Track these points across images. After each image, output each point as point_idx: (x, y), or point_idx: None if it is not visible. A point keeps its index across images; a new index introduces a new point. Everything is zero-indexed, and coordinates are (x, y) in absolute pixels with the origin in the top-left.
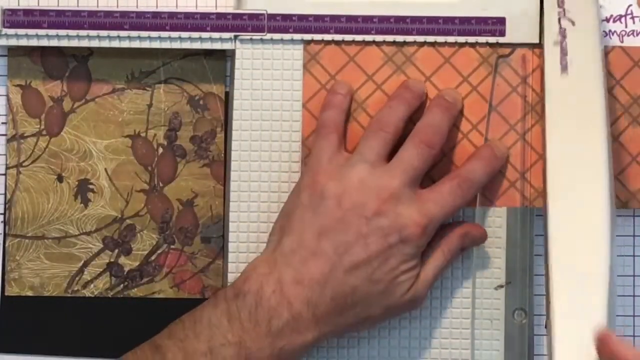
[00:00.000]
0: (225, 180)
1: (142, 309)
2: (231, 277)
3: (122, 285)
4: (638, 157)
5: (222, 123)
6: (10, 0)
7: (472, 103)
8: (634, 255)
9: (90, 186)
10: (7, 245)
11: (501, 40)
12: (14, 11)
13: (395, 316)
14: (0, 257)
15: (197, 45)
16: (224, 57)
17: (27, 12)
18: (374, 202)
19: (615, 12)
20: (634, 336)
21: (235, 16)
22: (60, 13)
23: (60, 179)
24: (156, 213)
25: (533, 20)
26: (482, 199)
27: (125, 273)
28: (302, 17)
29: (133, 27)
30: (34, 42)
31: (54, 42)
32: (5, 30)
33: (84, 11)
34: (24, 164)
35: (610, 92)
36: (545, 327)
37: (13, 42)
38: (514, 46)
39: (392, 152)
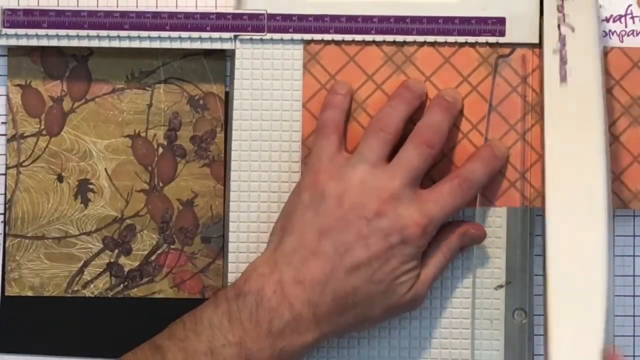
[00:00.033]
0: (225, 180)
1: (142, 309)
2: (231, 277)
3: (122, 285)
4: (639, 157)
5: (222, 123)
6: (10, 0)
7: (472, 103)
8: (634, 255)
9: (90, 186)
10: (7, 245)
11: (501, 40)
12: (14, 11)
13: (395, 316)
14: (0, 257)
15: (197, 45)
16: (224, 57)
17: (27, 12)
18: (374, 203)
19: (615, 12)
20: (634, 336)
21: (235, 16)
22: (60, 13)
23: (60, 179)
24: (156, 213)
25: (533, 20)
26: (482, 199)
27: (125, 273)
28: (302, 17)
29: (133, 27)
30: (34, 42)
31: (54, 42)
32: (5, 30)
33: (84, 11)
34: (24, 164)
35: (610, 92)
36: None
37: (13, 42)
38: (514, 46)
39: (392, 152)
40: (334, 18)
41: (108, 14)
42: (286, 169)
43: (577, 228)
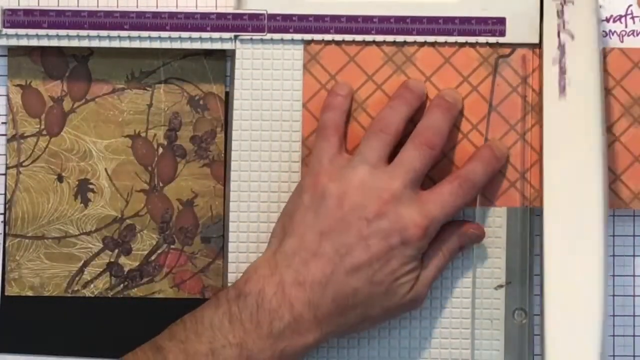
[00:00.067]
0: (225, 180)
1: (142, 309)
2: (231, 277)
3: (122, 285)
4: (639, 157)
5: (222, 123)
6: (10, 0)
7: (472, 103)
8: (634, 255)
9: (90, 186)
10: (7, 245)
11: (501, 40)
12: (14, 11)
13: (395, 316)
14: (1, 257)
15: (197, 45)
16: (224, 57)
17: (27, 12)
18: (374, 204)
19: (615, 12)
20: (634, 336)
21: (236, 16)
22: (60, 13)
23: (60, 179)
24: (156, 213)
25: (533, 20)
26: (482, 199)
27: (125, 273)
28: (302, 17)
29: (133, 27)
30: (34, 42)
31: (54, 42)
32: (5, 30)
33: (84, 11)
34: (24, 164)
35: (610, 92)
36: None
37: (13, 42)
38: (514, 46)
39: (393, 153)
40: (334, 18)
41: (108, 14)
42: (286, 169)
43: (574, 230)
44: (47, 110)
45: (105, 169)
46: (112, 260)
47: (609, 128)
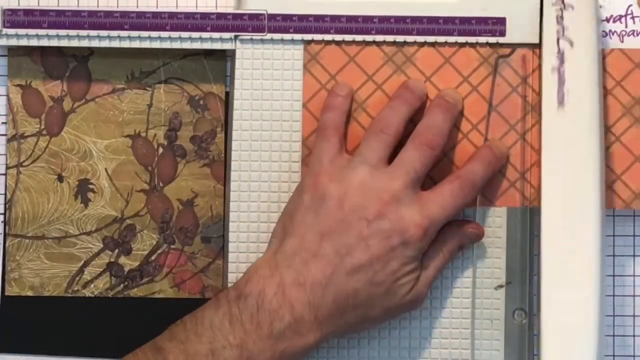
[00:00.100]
0: (225, 180)
1: (142, 309)
2: (231, 277)
3: (122, 285)
4: None
5: (222, 123)
6: (10, 0)
7: (472, 103)
8: (634, 255)
9: (91, 186)
10: (7, 245)
11: (501, 40)
12: (14, 11)
13: (395, 317)
14: (1, 257)
15: (197, 45)
16: (224, 57)
17: (27, 12)
18: (375, 204)
19: (615, 12)
20: (634, 336)
21: (236, 16)
22: (60, 13)
23: (60, 178)
24: (156, 213)
25: (533, 20)
26: (482, 199)
27: (125, 273)
28: (302, 17)
29: (133, 27)
30: (34, 42)
31: (54, 42)
32: (5, 30)
33: (84, 11)
34: (24, 164)
35: (611, 93)
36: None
37: (13, 42)
38: (514, 46)
39: (393, 153)
40: (335, 18)
41: (108, 14)
42: (286, 169)
43: (571, 232)
44: (47, 110)
45: (106, 169)
46: (112, 260)
47: (609, 128)
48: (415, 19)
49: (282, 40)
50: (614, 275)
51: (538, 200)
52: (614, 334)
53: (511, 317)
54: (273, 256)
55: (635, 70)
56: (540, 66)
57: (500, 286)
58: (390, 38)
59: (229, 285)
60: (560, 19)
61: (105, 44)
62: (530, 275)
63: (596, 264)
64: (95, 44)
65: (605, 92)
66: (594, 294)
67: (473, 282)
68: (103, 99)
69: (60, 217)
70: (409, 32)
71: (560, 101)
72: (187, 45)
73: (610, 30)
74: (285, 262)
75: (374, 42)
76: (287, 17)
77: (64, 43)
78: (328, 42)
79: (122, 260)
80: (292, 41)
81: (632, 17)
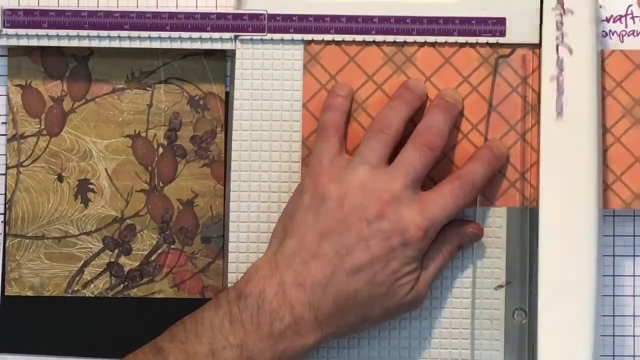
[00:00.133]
0: (225, 180)
1: (142, 309)
2: (231, 277)
3: (122, 285)
4: None
5: (222, 123)
6: (10, 0)
7: (472, 103)
8: (634, 255)
9: (91, 186)
10: (7, 245)
11: (501, 40)
12: (14, 11)
13: (395, 317)
14: (0, 257)
15: (197, 45)
16: (224, 57)
17: (27, 12)
18: (375, 205)
19: (615, 12)
20: (634, 336)
21: (236, 16)
22: (60, 13)
23: (60, 178)
24: (156, 213)
25: (533, 20)
26: (482, 199)
27: (125, 273)
28: (302, 17)
29: (133, 27)
30: (34, 42)
31: (54, 42)
32: (5, 30)
33: (84, 11)
34: (24, 164)
35: (611, 94)
36: None
37: (13, 42)
38: (514, 46)
39: (393, 153)
40: (335, 18)
41: (108, 14)
42: (286, 169)
43: (569, 234)
44: (47, 110)
45: (105, 169)
46: (112, 260)
47: (609, 129)
48: (415, 19)
49: (282, 40)
50: (614, 275)
51: (538, 200)
52: (614, 334)
53: (511, 317)
54: (273, 256)
55: (635, 71)
56: (540, 68)
57: (500, 286)
58: (390, 38)
59: (229, 285)
60: (559, 25)
61: (105, 44)
62: (530, 275)
63: (593, 265)
64: (95, 44)
65: (605, 93)
66: (590, 295)
67: (473, 282)
68: (103, 99)
69: (60, 217)
70: (409, 32)
71: (559, 111)
72: (187, 45)
73: (610, 31)
74: (285, 262)
75: (374, 42)
76: (287, 17)
77: (64, 43)
78: (328, 42)
79: (122, 260)
80: (292, 41)
81: (632, 17)
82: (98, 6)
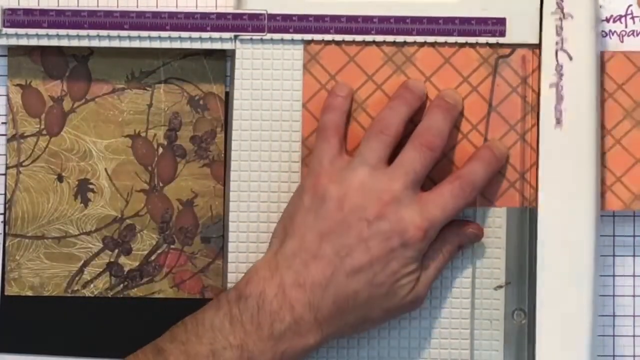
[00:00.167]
0: (225, 180)
1: (142, 309)
2: (231, 277)
3: (122, 285)
4: None
5: (222, 123)
6: (10, 0)
7: (472, 103)
8: (634, 255)
9: (90, 186)
10: (7, 245)
11: (501, 40)
12: (14, 11)
13: (395, 317)
14: (0, 257)
15: (197, 45)
16: (224, 57)
17: (27, 11)
18: (375, 206)
19: (615, 12)
20: (634, 336)
21: (235, 16)
22: (60, 13)
23: (60, 178)
24: (156, 213)
25: (533, 20)
26: (481, 200)
27: (125, 273)
28: (302, 17)
29: (133, 27)
30: (34, 42)
31: (54, 42)
32: (5, 30)
33: (84, 11)
34: (24, 164)
35: (612, 96)
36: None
37: (13, 41)
38: (514, 46)
39: (393, 153)
40: (334, 18)
41: (108, 13)
42: (286, 169)
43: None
44: (47, 110)
45: (105, 169)
46: (112, 260)
47: (610, 131)
48: (415, 19)
49: (282, 40)
50: (614, 275)
51: (537, 201)
52: (614, 334)
53: (510, 318)
54: (273, 257)
55: (637, 73)
56: (539, 71)
57: (500, 286)
58: (390, 38)
59: (229, 285)
60: (559, 29)
61: (105, 43)
62: (529, 276)
63: (591, 265)
64: (95, 43)
65: (606, 95)
66: (588, 295)
67: (472, 282)
68: (103, 99)
69: (60, 217)
70: (408, 32)
71: (558, 117)
72: (187, 45)
73: (610, 31)
74: (285, 263)
75: (373, 42)
76: (287, 17)
77: (64, 43)
78: (328, 42)
79: (122, 260)
80: (292, 41)
81: (632, 17)
82: (98, 6)
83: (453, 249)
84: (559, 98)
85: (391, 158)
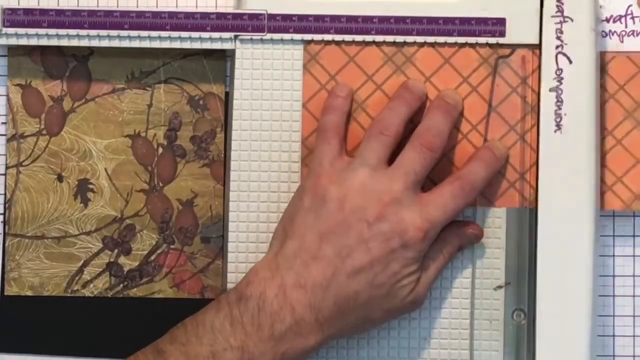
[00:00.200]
0: (225, 180)
1: (142, 309)
2: (231, 277)
3: (121, 285)
4: None
5: (222, 123)
6: (10, 0)
7: (472, 103)
8: (634, 256)
9: (90, 186)
10: (6, 244)
11: (501, 40)
12: (14, 10)
13: (396, 317)
14: (0, 257)
15: (197, 45)
16: (224, 57)
17: (27, 11)
18: (375, 206)
19: (615, 12)
20: (634, 336)
21: (235, 16)
22: (60, 12)
23: (60, 178)
24: (156, 213)
25: (533, 20)
26: (481, 200)
27: (125, 273)
28: (302, 17)
29: (133, 27)
30: (34, 42)
31: (54, 42)
32: (5, 30)
33: (84, 11)
34: (23, 164)
35: (613, 96)
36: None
37: (13, 41)
38: (513, 47)
39: (393, 153)
40: (334, 18)
41: (108, 13)
42: (286, 169)
43: (567, 232)
44: (47, 110)
45: (105, 169)
46: (111, 260)
47: (611, 131)
48: (415, 19)
49: (282, 40)
50: (614, 276)
51: (537, 201)
52: (614, 334)
53: (510, 318)
54: (274, 258)
55: (638, 74)
56: (539, 74)
57: (500, 287)
58: (390, 38)
59: (229, 285)
60: (559, 32)
61: (105, 43)
62: (529, 276)
63: (591, 265)
64: (95, 43)
65: (607, 96)
66: (587, 295)
67: (472, 282)
68: (103, 99)
69: (60, 217)
70: (408, 33)
71: (558, 124)
72: (187, 45)
73: (610, 31)
74: (285, 264)
75: (373, 42)
76: (287, 17)
77: (64, 42)
78: (328, 42)
79: (122, 260)
80: (292, 41)
81: (632, 17)
82: (98, 6)
83: (453, 249)
84: (559, 100)
85: (391, 158)
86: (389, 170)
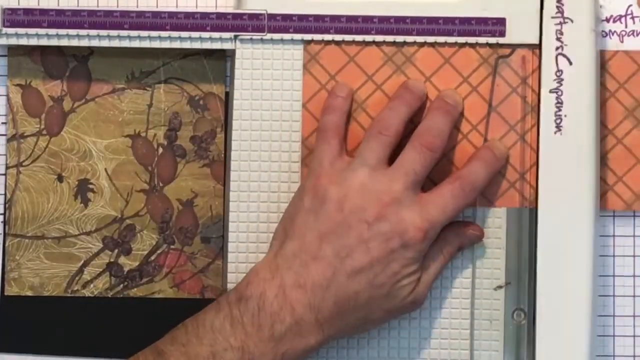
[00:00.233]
0: (225, 180)
1: (142, 309)
2: (231, 277)
3: (121, 285)
4: None
5: (222, 123)
6: (10, 0)
7: (472, 103)
8: (634, 256)
9: (90, 186)
10: (7, 245)
11: (501, 40)
12: (14, 10)
13: (396, 317)
14: (0, 257)
15: (197, 45)
16: (224, 57)
17: (27, 11)
18: (375, 207)
19: (615, 12)
20: (634, 336)
21: (235, 16)
22: (60, 12)
23: (60, 178)
24: (156, 213)
25: (533, 20)
26: (481, 200)
27: (125, 273)
28: (302, 17)
29: (133, 27)
30: (34, 42)
31: (54, 42)
32: (5, 30)
33: (84, 11)
34: (24, 164)
35: (614, 95)
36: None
37: (13, 41)
38: (513, 47)
39: (394, 153)
40: (334, 18)
41: (108, 13)
42: (286, 169)
43: (567, 232)
44: (47, 110)
45: (105, 169)
46: (112, 260)
47: (611, 130)
48: (415, 19)
49: (282, 40)
50: (614, 276)
51: (537, 201)
52: (614, 334)
53: (510, 318)
54: (274, 258)
55: (639, 72)
56: (539, 75)
57: (500, 287)
58: (390, 38)
59: (229, 285)
60: (559, 34)
61: (105, 43)
62: (529, 276)
63: (590, 265)
64: (95, 43)
65: (608, 95)
66: (587, 295)
67: (472, 282)
68: (103, 99)
69: (60, 217)
70: (408, 32)
71: (558, 125)
72: (187, 45)
73: (610, 31)
74: (285, 264)
75: (373, 42)
76: (287, 17)
77: (64, 42)
78: (328, 42)
79: (122, 260)
80: (292, 41)
81: (632, 17)
82: (98, 6)
83: (453, 249)
84: (559, 104)
85: (392, 158)
86: (389, 171)
